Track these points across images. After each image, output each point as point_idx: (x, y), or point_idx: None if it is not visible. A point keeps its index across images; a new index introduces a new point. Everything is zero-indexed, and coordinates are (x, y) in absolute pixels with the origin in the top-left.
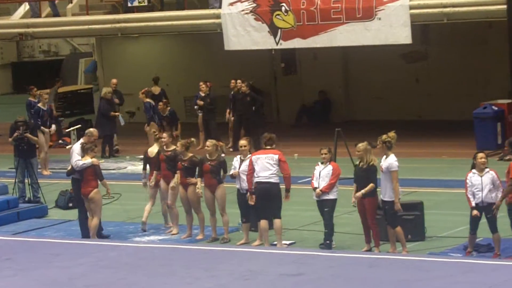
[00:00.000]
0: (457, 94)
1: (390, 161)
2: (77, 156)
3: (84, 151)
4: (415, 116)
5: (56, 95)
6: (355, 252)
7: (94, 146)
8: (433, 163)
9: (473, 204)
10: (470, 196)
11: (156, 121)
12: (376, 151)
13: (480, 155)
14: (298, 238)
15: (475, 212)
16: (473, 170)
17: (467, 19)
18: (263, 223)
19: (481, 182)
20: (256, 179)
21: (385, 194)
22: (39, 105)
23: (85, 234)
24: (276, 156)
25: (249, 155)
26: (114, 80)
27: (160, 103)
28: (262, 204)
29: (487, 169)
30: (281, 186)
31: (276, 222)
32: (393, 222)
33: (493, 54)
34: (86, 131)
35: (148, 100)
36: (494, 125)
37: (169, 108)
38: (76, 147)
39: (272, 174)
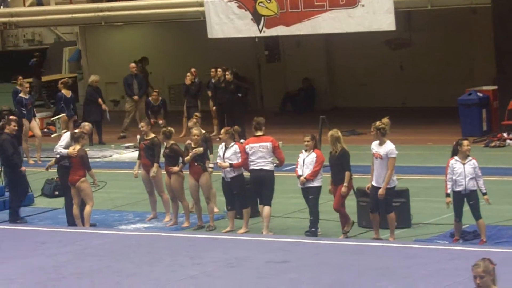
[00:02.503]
0: (442, 80)
1: (390, 147)
2: (61, 143)
3: (74, 140)
4: (400, 103)
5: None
6: (340, 240)
7: (83, 134)
8: (419, 150)
9: (449, 191)
10: (449, 183)
11: (66, 113)
12: (365, 137)
13: (466, 142)
14: (284, 226)
15: (448, 199)
16: (456, 157)
17: (451, 5)
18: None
19: (464, 170)
20: (251, 166)
21: (382, 180)
22: (21, 94)
23: (71, 222)
24: (270, 144)
25: (232, 143)
26: (132, 64)
27: (154, 93)
28: (256, 191)
29: (469, 157)
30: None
31: (266, 209)
32: (389, 208)
33: (478, 40)
34: (81, 125)
35: (63, 91)
36: (479, 111)
37: (160, 98)
38: (67, 134)
39: (267, 162)
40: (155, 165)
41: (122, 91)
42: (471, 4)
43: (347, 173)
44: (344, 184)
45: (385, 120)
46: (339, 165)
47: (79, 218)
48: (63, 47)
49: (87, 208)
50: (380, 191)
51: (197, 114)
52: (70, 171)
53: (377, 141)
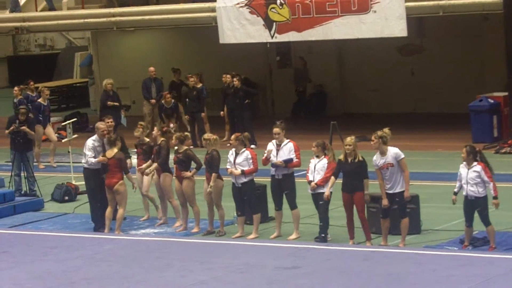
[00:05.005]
0: (453, 87)
1: (394, 151)
2: (89, 153)
3: (111, 143)
4: (411, 109)
5: None
6: (350, 245)
7: (113, 137)
8: (429, 156)
9: (456, 190)
10: (458, 183)
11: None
12: (370, 146)
13: (464, 150)
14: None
15: (454, 197)
16: (464, 162)
17: (463, 11)
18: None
19: (467, 176)
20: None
21: (396, 186)
22: (40, 100)
23: (100, 225)
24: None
25: (243, 149)
26: (151, 68)
27: (168, 95)
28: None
29: (475, 163)
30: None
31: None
32: (404, 213)
33: (489, 46)
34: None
35: (20, 97)
36: (490, 118)
37: (173, 100)
38: (89, 142)
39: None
40: (154, 164)
41: (133, 96)
42: (483, 10)
43: (366, 180)
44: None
45: (387, 130)
46: (361, 173)
47: (110, 220)
48: (75, 52)
49: (120, 211)
50: (406, 195)
51: (142, 123)
52: (106, 174)
53: (378, 154)
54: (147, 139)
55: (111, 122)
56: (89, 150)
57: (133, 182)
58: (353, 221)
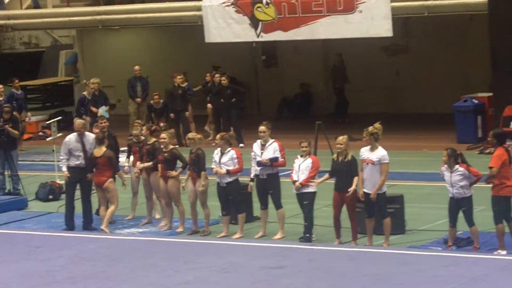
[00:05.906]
0: (438, 87)
1: (382, 153)
2: (62, 147)
3: (99, 141)
4: (396, 109)
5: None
6: (335, 245)
7: (101, 135)
8: (414, 156)
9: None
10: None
11: None
12: (361, 143)
13: (444, 153)
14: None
15: None
16: (446, 165)
17: (448, 12)
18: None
19: (450, 180)
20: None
21: (373, 186)
22: (85, 93)
23: (71, 225)
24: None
25: (229, 149)
26: (136, 67)
27: (156, 96)
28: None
29: (456, 166)
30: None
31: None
32: (384, 213)
33: (474, 47)
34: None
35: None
36: (474, 118)
37: (161, 100)
38: (66, 138)
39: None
40: (150, 163)
41: (118, 94)
42: (468, 11)
43: (357, 178)
44: (353, 188)
45: (377, 125)
46: (351, 172)
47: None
48: (60, 50)
49: (112, 208)
50: (372, 195)
51: (139, 121)
52: (95, 172)
53: (368, 147)
54: (143, 138)
55: (104, 123)
56: (63, 145)
57: (123, 179)
58: (339, 220)
